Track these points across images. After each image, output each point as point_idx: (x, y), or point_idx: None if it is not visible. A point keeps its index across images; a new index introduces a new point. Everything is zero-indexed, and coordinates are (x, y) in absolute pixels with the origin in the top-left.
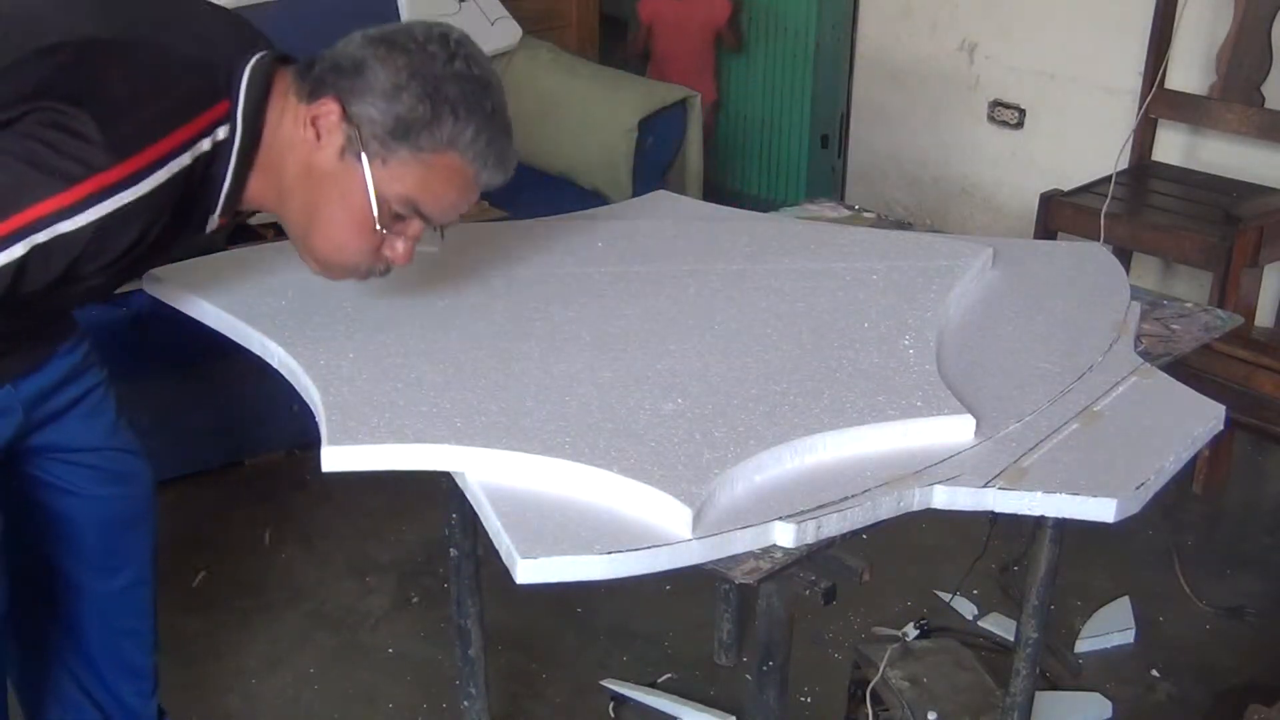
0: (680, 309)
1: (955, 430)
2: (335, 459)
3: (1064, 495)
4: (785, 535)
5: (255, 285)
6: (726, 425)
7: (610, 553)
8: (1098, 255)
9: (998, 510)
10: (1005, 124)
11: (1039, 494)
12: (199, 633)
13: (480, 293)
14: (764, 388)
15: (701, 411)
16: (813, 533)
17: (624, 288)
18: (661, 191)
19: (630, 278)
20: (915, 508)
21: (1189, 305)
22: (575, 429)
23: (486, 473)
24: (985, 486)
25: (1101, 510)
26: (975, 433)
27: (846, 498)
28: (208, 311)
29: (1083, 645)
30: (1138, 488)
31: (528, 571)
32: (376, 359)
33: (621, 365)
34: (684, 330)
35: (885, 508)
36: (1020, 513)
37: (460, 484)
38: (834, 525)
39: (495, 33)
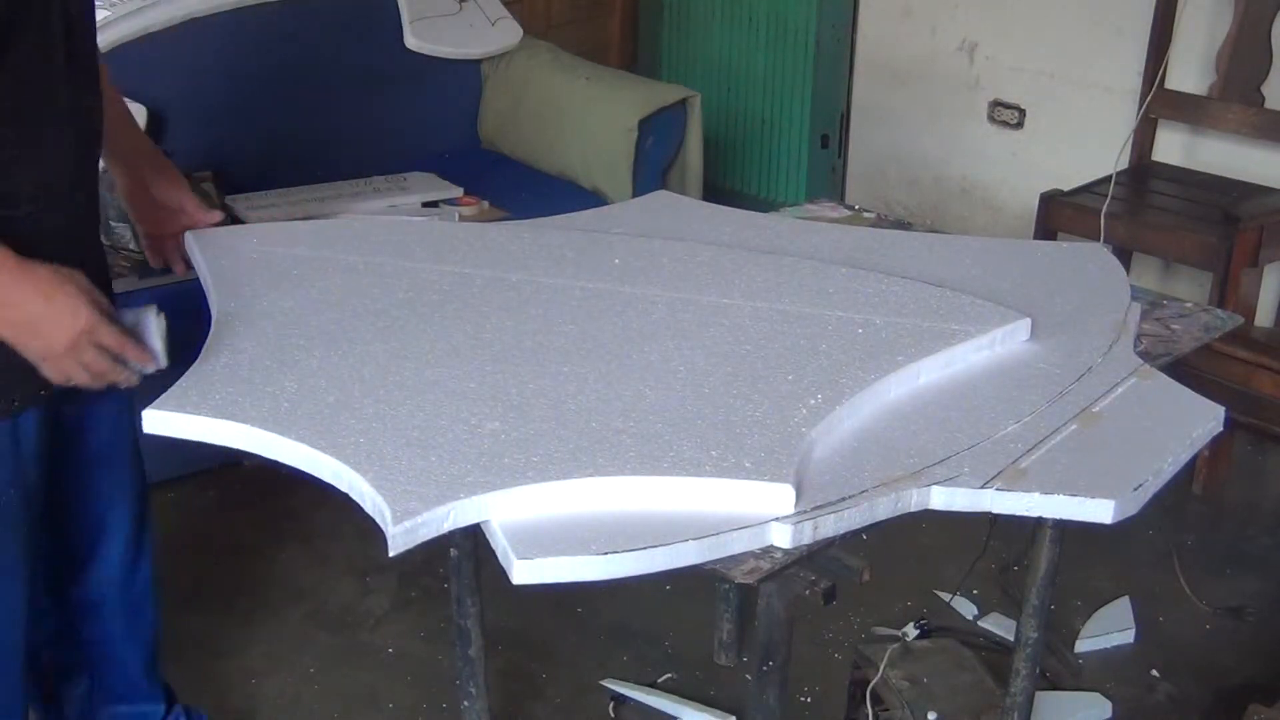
0: (618, 332)
1: (771, 499)
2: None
3: (1062, 496)
4: (782, 535)
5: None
6: (528, 449)
7: (606, 553)
8: (1098, 255)
9: (996, 511)
10: (1005, 124)
11: (1037, 495)
12: (199, 633)
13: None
14: (607, 422)
15: (516, 435)
16: (809, 533)
17: (591, 304)
18: (661, 191)
19: (606, 295)
20: (913, 509)
21: (1189, 305)
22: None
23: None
24: (983, 487)
25: (1099, 511)
26: (793, 505)
27: (844, 498)
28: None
29: (1083, 645)
30: (1136, 489)
31: (524, 572)
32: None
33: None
34: (587, 353)
35: (883, 508)
36: (1018, 514)
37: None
38: (831, 526)
39: (496, 33)
